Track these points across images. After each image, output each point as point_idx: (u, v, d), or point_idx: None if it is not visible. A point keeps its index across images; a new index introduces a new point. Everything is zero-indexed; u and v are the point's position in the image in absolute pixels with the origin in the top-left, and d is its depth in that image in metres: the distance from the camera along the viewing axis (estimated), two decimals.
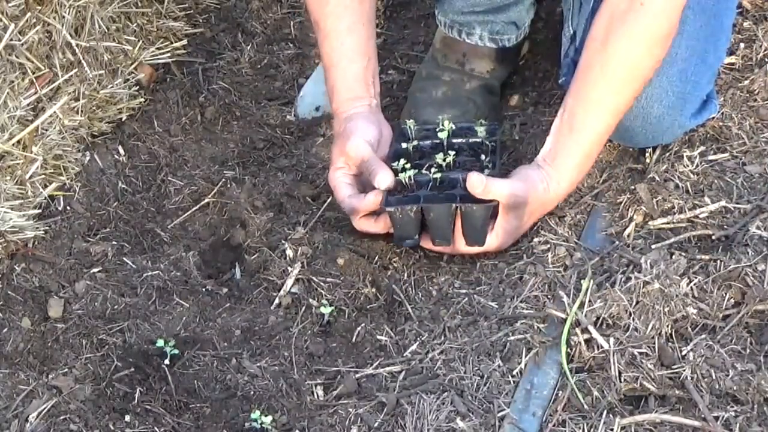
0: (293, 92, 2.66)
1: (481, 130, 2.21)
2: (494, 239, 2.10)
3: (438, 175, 2.11)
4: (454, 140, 2.21)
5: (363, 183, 2.18)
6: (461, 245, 2.11)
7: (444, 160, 2.13)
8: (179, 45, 2.70)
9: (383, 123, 2.26)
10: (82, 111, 2.41)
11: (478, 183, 2.02)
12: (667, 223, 2.08)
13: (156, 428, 1.89)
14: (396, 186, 2.11)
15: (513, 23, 2.47)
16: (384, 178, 2.09)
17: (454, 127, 2.21)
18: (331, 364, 2.01)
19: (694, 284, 1.92)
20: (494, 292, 2.06)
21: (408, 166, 2.12)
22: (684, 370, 1.81)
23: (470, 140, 2.21)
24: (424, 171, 2.13)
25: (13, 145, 2.25)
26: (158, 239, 2.31)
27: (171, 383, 1.97)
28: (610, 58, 2.02)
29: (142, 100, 2.57)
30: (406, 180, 2.11)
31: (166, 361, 2.00)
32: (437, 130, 2.22)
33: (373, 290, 2.14)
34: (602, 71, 2.03)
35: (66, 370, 1.99)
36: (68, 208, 2.32)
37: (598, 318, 1.90)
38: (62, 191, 2.34)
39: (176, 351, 2.01)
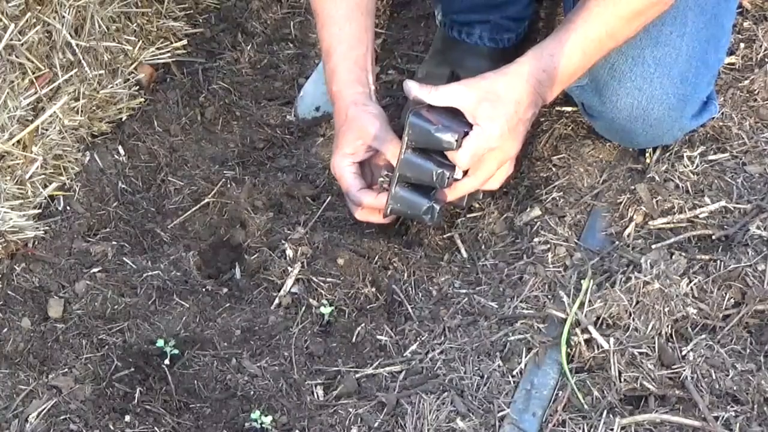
0: (293, 92, 2.66)
1: None
2: (469, 147, 1.97)
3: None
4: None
5: (365, 171, 2.14)
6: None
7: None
8: (179, 45, 2.70)
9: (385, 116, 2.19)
10: (82, 111, 2.41)
11: (411, 86, 2.00)
12: (667, 223, 2.08)
13: (156, 428, 1.89)
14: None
15: (512, 22, 2.47)
16: (391, 151, 2.06)
17: None
18: (331, 364, 2.01)
19: (694, 284, 1.92)
20: (494, 292, 2.06)
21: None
22: (684, 370, 1.81)
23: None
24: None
25: (13, 145, 2.25)
26: (158, 239, 2.31)
27: (171, 383, 1.97)
28: None
29: (142, 100, 2.57)
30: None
31: (166, 361, 2.00)
32: None
33: (373, 290, 2.14)
34: None
35: (66, 370, 1.99)
36: (68, 208, 2.32)
37: (598, 318, 1.91)
38: (62, 191, 2.34)
39: (176, 351, 2.02)
